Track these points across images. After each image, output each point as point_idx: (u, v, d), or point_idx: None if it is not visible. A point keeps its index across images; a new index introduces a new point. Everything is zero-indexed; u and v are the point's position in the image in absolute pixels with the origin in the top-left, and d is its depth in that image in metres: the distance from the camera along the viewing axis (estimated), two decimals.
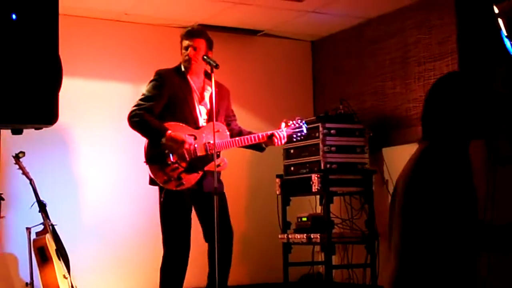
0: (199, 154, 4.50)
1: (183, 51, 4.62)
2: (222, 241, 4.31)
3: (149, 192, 4.71)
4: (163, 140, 4.41)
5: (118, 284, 5.79)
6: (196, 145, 4.51)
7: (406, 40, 5.83)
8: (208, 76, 4.65)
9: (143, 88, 4.65)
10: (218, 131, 4.49)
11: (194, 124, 4.57)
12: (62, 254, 4.90)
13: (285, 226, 5.83)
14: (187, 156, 4.46)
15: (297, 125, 4.76)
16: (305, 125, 4.78)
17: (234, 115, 4.88)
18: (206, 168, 4.52)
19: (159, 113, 4.53)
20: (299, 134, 4.77)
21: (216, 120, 4.49)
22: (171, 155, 4.43)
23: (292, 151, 5.87)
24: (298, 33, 6.66)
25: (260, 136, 4.66)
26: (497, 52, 4.50)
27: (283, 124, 4.75)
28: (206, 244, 4.60)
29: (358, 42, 6.35)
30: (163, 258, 4.55)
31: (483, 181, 5.23)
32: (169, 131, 4.42)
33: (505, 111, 4.82)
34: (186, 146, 4.43)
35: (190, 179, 4.49)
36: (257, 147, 4.76)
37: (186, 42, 4.62)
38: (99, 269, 5.70)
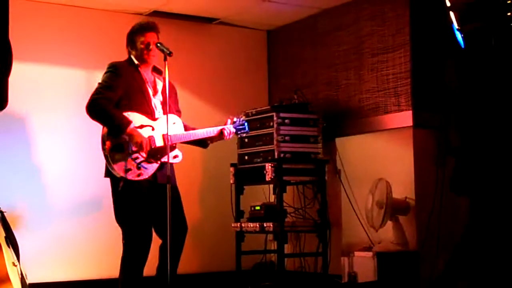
0: (157, 145, 4.50)
1: (141, 45, 4.57)
2: (175, 235, 4.29)
3: (104, 181, 4.66)
4: (124, 135, 4.40)
5: (68, 272, 5.73)
6: (155, 136, 4.51)
7: (360, 31, 5.88)
8: (156, 70, 4.66)
9: (96, 75, 4.60)
10: (174, 123, 4.51)
11: (151, 116, 4.57)
12: (11, 241, 4.82)
13: (238, 215, 5.84)
14: (147, 146, 4.45)
15: (240, 123, 4.91)
16: (246, 124, 4.93)
17: (179, 111, 4.88)
18: (163, 159, 4.51)
19: (116, 103, 4.49)
20: (243, 131, 4.94)
21: (169, 113, 4.49)
22: (131, 144, 4.42)
23: (246, 140, 5.87)
24: (254, 22, 6.66)
25: (215, 131, 4.73)
26: (448, 45, 4.58)
27: (229, 121, 4.87)
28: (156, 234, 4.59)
29: (313, 33, 6.38)
30: (125, 249, 4.49)
31: (432, 170, 5.33)
32: (131, 127, 4.40)
33: (455, 102, 4.90)
34: (140, 142, 4.41)
35: (149, 169, 4.48)
36: (203, 143, 4.84)
37: (143, 38, 4.58)
38: (50, 257, 5.64)
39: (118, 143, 4.42)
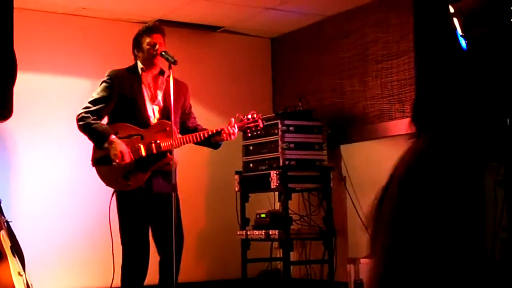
0: (144, 154, 4.47)
1: (147, 46, 4.55)
2: (172, 245, 4.27)
3: (104, 190, 4.67)
4: (106, 144, 4.40)
5: (74, 281, 5.73)
6: (141, 145, 4.48)
7: (364, 38, 5.88)
8: (163, 73, 4.62)
9: (98, 86, 4.60)
10: (168, 129, 4.46)
11: (145, 124, 4.52)
12: (17, 251, 4.82)
13: (244, 223, 5.84)
14: (132, 156, 4.43)
15: (251, 119, 4.76)
16: (261, 118, 4.76)
17: (190, 112, 4.81)
18: (153, 168, 4.48)
19: (110, 114, 4.52)
20: (253, 128, 4.76)
21: (171, 119, 4.44)
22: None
23: (251, 147, 5.88)
24: (257, 30, 6.67)
25: (210, 132, 4.63)
26: (453, 51, 4.56)
27: (233, 120, 4.70)
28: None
29: (317, 40, 6.39)
30: (123, 257, 4.50)
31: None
32: (112, 137, 4.39)
33: (460, 110, 4.89)
34: (117, 160, 4.36)
35: (138, 180, 4.45)
36: (210, 144, 4.73)
37: (150, 39, 4.56)
38: (55, 267, 5.64)
39: (104, 156, 4.43)
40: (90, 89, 4.86)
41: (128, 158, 4.41)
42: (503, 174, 3.59)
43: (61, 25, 5.92)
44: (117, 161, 4.38)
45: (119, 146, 4.40)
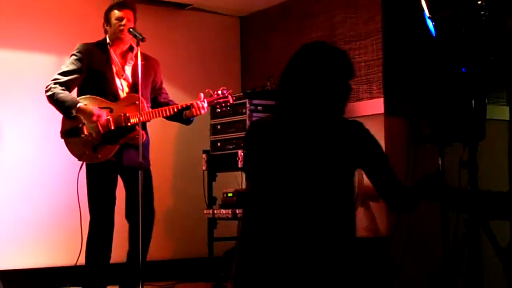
0: (113, 126, 4.48)
1: (115, 21, 4.56)
2: (143, 221, 4.29)
3: (71, 165, 4.63)
4: (74, 112, 4.40)
5: (38, 258, 5.68)
6: (110, 118, 4.47)
7: (333, 18, 5.88)
8: (132, 50, 4.62)
9: (67, 60, 4.59)
10: (135, 103, 4.47)
11: (114, 97, 4.56)
12: None
13: (211, 202, 5.84)
14: (100, 129, 4.44)
15: (221, 94, 4.78)
16: (231, 94, 4.82)
17: (162, 88, 4.85)
18: (123, 141, 4.50)
19: (78, 87, 4.54)
20: (223, 104, 4.80)
21: (137, 94, 4.45)
22: (84, 128, 4.40)
23: (219, 126, 5.87)
24: (226, 8, 6.63)
25: (179, 106, 4.66)
26: (420, 33, 4.60)
27: (202, 95, 4.75)
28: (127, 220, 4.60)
29: (286, 19, 6.38)
30: (89, 229, 4.56)
31: (403, 157, 5.36)
32: (79, 104, 4.41)
33: (426, 90, 4.93)
34: (94, 118, 4.40)
35: (106, 152, 4.48)
36: (182, 119, 4.76)
37: (119, 13, 4.57)
38: (18, 244, 5.59)
39: (72, 127, 4.45)
40: (56, 64, 4.82)
41: (105, 116, 4.43)
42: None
43: (27, 0, 5.82)
44: (94, 119, 4.40)
45: (90, 109, 4.41)
